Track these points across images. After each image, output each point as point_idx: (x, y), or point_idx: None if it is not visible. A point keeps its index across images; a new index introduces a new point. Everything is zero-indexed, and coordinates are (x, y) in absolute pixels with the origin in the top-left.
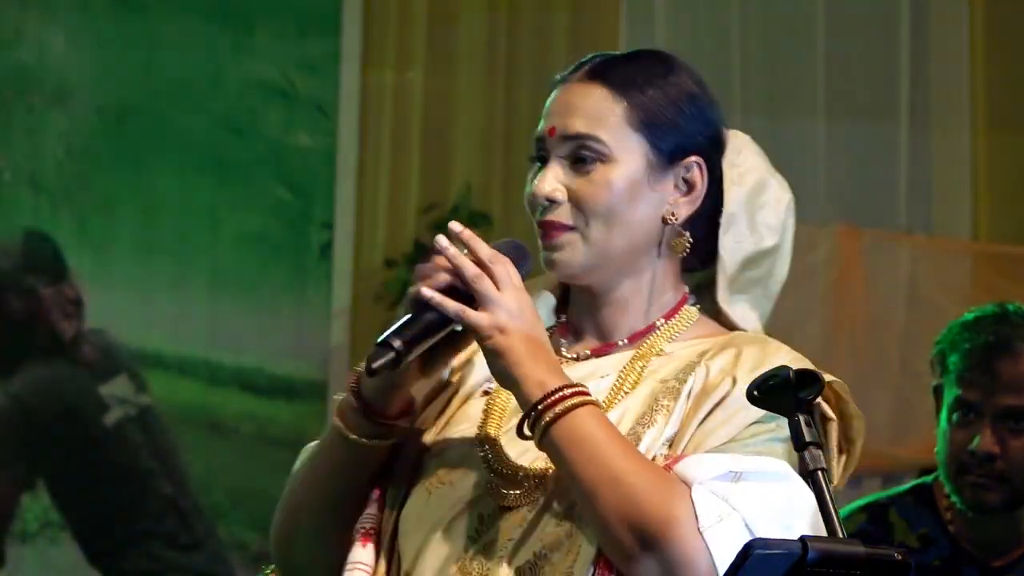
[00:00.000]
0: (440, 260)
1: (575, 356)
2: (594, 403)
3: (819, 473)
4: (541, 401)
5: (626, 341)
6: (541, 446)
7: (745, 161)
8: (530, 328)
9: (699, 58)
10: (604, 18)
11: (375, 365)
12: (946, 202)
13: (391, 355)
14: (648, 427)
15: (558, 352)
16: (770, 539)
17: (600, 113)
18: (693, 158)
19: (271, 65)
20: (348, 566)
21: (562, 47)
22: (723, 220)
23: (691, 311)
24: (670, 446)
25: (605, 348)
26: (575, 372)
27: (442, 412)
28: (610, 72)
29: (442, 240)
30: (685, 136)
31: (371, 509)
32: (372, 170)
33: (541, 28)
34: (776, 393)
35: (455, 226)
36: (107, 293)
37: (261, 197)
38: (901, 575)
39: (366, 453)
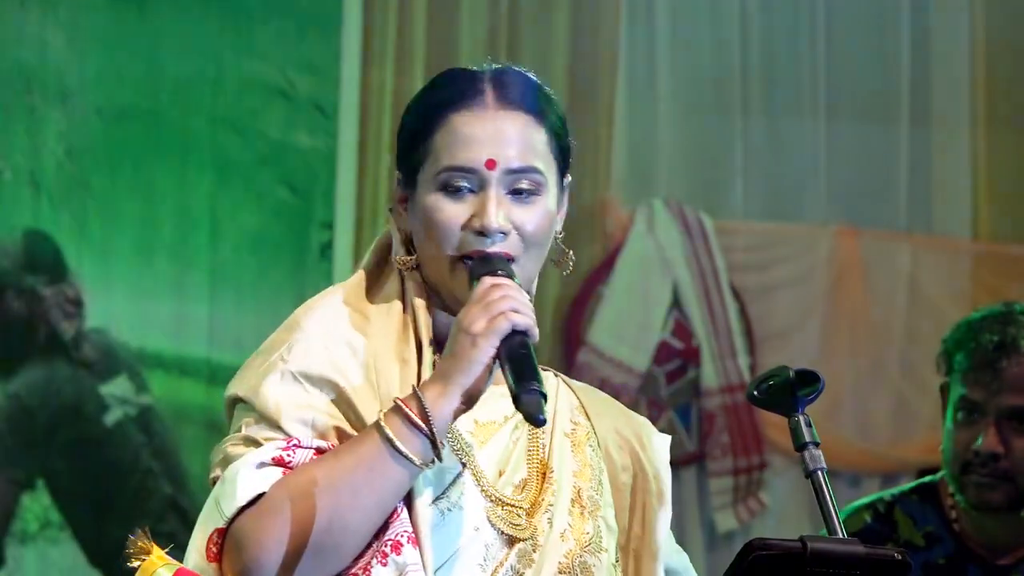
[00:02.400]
0: (494, 292)
1: None
2: None
3: (819, 472)
4: None
5: None
6: None
7: None
8: None
9: (699, 58)
10: (604, 19)
11: (543, 416)
12: (946, 202)
13: (543, 398)
14: (599, 494)
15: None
16: (770, 539)
17: (534, 144)
18: (568, 177)
19: (271, 65)
20: (410, 566)
21: (562, 48)
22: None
23: None
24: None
25: None
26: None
27: None
28: (527, 97)
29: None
30: (569, 158)
31: (404, 516)
32: (372, 170)
33: (541, 29)
34: (776, 394)
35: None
36: (107, 293)
37: (261, 197)
38: (901, 574)
39: (417, 474)
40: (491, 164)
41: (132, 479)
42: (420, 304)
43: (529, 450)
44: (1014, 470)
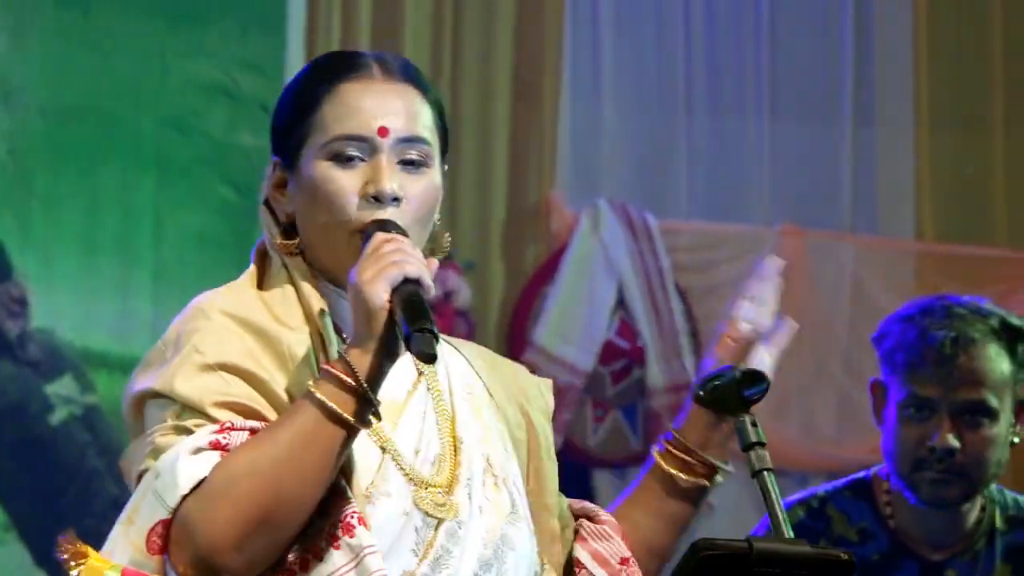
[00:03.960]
0: (384, 245)
1: None
2: None
3: (765, 473)
4: None
5: None
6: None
7: None
8: None
9: (643, 59)
10: (548, 19)
11: (433, 351)
12: (890, 202)
13: (436, 338)
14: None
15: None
16: (716, 540)
17: (423, 116)
18: (445, 165)
19: (215, 64)
20: (367, 548)
21: (507, 49)
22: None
23: None
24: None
25: None
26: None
27: None
28: (412, 73)
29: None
30: (447, 141)
31: (349, 495)
32: None
33: (486, 29)
34: (722, 394)
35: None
36: (51, 292)
37: (205, 196)
38: (846, 574)
39: (354, 437)
40: (383, 132)
41: (77, 479)
42: (308, 288)
43: (438, 423)
44: (969, 464)
